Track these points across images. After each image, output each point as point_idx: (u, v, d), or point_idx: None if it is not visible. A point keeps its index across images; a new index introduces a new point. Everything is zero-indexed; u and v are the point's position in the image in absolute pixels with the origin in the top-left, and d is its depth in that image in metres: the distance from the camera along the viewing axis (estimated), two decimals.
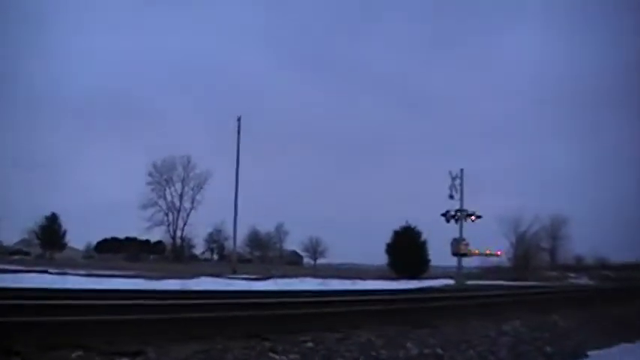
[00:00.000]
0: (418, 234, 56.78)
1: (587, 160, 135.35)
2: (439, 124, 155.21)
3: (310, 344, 7.86)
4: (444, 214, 43.37)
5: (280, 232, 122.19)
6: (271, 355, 7.19)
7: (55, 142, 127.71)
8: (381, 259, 64.81)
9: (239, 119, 55.04)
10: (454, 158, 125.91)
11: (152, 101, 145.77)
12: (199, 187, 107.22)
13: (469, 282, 40.82)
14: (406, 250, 54.27)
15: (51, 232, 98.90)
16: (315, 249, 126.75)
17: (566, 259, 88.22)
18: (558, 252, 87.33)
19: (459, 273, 43.23)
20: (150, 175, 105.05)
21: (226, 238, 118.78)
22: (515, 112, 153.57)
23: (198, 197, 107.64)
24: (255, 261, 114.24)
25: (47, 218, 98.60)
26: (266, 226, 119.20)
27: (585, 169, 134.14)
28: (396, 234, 56.84)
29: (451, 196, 43.07)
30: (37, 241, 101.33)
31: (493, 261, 63.47)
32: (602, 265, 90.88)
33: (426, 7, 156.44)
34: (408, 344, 8.72)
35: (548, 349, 10.28)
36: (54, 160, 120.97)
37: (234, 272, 43.88)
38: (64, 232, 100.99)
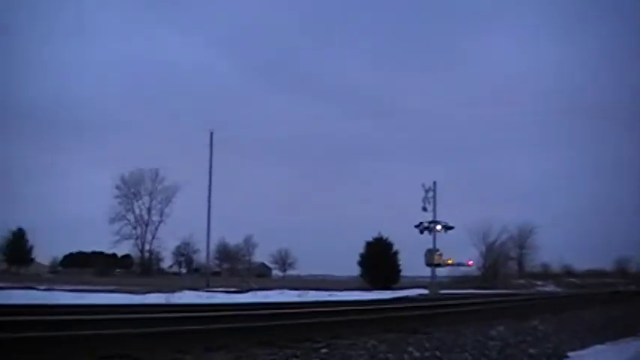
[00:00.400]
0: (390, 245, 58.11)
1: (553, 169, 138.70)
2: (409, 135, 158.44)
3: (325, 350, 8.80)
4: (417, 226, 44.68)
5: (249, 244, 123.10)
6: (302, 358, 8.11)
7: (18, 154, 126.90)
8: (351, 270, 66.00)
9: (211, 133, 55.69)
10: (423, 169, 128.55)
11: (117, 112, 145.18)
12: (168, 200, 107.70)
13: (442, 291, 42.07)
14: (378, 261, 55.54)
15: (17, 248, 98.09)
16: (283, 261, 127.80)
17: (533, 267, 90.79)
18: (525, 260, 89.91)
19: (432, 283, 44.47)
20: (118, 188, 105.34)
21: (195, 251, 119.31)
22: (480, 122, 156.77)
23: (166, 210, 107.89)
24: (224, 273, 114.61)
25: (14, 233, 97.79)
26: (234, 239, 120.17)
27: (551, 178, 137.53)
28: (369, 245, 58.05)
29: (424, 209, 44.41)
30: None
31: (462, 270, 65.06)
32: (568, 273, 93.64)
33: (394, 17, 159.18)
34: (410, 348, 9.70)
35: (531, 351, 11.37)
36: (17, 172, 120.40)
37: (208, 285, 44.52)
38: (31, 248, 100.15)
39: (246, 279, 76.41)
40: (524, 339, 12.23)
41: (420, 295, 36.99)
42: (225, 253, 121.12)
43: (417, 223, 44.66)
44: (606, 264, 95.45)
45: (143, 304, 17.56)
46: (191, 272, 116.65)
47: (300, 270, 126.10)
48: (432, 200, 44.50)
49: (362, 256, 58.30)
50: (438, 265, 45.17)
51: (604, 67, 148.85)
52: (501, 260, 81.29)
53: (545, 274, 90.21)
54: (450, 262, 49.25)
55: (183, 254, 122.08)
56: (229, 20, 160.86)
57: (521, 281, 77.82)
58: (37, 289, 26.68)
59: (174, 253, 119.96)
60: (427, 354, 9.62)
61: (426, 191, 44.63)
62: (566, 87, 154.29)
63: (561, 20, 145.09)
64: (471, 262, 63.04)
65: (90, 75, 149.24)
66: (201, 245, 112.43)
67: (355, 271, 61.59)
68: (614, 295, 36.45)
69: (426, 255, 44.61)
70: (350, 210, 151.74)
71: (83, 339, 7.27)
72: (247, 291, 35.22)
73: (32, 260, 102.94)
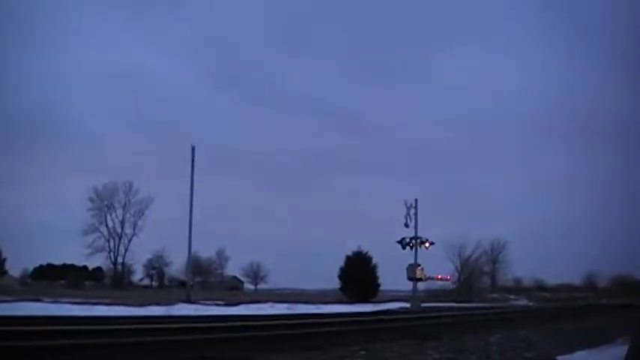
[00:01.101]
0: (369, 259, 60.01)
1: (524, 186, 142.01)
2: (382, 149, 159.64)
3: (363, 352, 10.66)
4: (399, 241, 46.62)
5: (221, 257, 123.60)
6: None
7: None
8: (324, 283, 67.57)
9: (193, 148, 56.30)
10: (396, 184, 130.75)
11: (87, 122, 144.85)
12: (141, 212, 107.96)
13: (423, 305, 44.01)
14: (358, 274, 57.37)
15: None
16: (256, 274, 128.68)
17: (506, 281, 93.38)
18: (498, 275, 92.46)
19: (414, 296, 46.42)
20: (91, 200, 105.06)
21: (166, 264, 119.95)
22: (453, 138, 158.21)
23: (139, 223, 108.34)
24: (196, 287, 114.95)
25: None
26: (207, 252, 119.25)
27: (522, 194, 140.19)
28: (348, 259, 59.80)
29: (406, 225, 46.43)
30: None
31: (438, 284, 67.06)
32: (539, 287, 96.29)
33: (366, 30, 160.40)
34: (429, 351, 11.62)
35: (527, 354, 13.29)
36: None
37: (189, 298, 45.53)
38: (4, 260, 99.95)
39: (216, 292, 77.31)
40: (518, 345, 14.21)
41: (402, 308, 38.74)
42: (198, 267, 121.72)
43: (399, 238, 46.46)
44: (576, 278, 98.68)
45: (174, 315, 19.22)
46: (163, 286, 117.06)
47: (271, 284, 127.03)
48: (413, 217, 46.62)
49: (342, 269, 60.03)
50: (420, 279, 47.25)
51: (577, 85, 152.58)
52: (476, 274, 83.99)
53: (518, 288, 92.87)
54: (432, 277, 51.58)
55: (155, 267, 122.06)
56: (197, 31, 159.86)
57: (495, 295, 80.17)
58: (43, 302, 27.80)
59: (145, 266, 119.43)
60: (443, 356, 11.51)
61: (408, 208, 46.67)
62: (538, 104, 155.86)
63: (535, 35, 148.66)
64: (448, 277, 65.39)
65: (61, 84, 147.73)
66: (173, 258, 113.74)
67: (328, 284, 63.28)
68: (586, 308, 38.76)
69: (407, 269, 46.55)
70: (322, 224, 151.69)
71: (189, 342, 9.08)
72: (238, 304, 36.66)
73: (5, 272, 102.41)
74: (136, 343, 9.43)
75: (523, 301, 75.36)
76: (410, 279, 46.89)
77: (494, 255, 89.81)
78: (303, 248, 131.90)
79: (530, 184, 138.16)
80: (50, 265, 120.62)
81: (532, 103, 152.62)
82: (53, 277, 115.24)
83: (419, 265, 46.49)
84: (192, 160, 55.27)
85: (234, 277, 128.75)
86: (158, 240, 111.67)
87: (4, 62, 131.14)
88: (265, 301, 40.16)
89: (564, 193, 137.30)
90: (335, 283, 63.12)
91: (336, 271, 61.47)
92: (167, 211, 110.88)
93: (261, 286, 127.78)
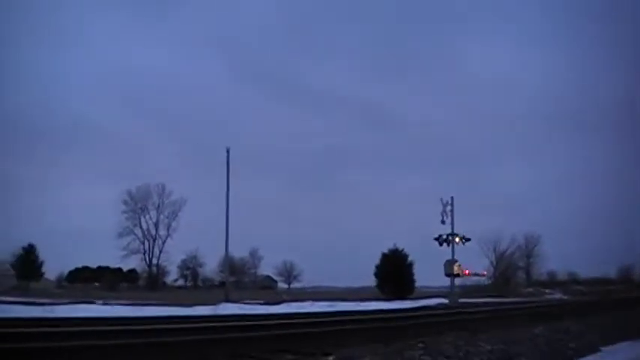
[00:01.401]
0: (405, 256, 61.27)
1: (554, 179, 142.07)
2: (407, 144, 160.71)
3: (421, 345, 11.74)
4: (436, 238, 47.78)
5: (255, 257, 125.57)
6: (408, 352, 11.00)
7: (23, 171, 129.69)
8: (357, 281, 68.68)
9: (228, 150, 57.65)
10: (423, 178, 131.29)
11: (115, 125, 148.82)
12: (174, 214, 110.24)
13: (460, 300, 44.99)
14: (394, 271, 58.63)
15: (28, 263, 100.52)
16: (289, 273, 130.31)
17: (540, 275, 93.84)
18: (532, 269, 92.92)
19: (452, 292, 47.48)
20: (125, 203, 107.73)
21: (200, 265, 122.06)
22: (486, 132, 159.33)
23: (173, 224, 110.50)
24: (231, 287, 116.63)
25: (24, 249, 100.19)
26: (240, 252, 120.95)
27: (553, 187, 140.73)
28: (384, 256, 61.26)
29: (443, 222, 47.63)
30: (11, 272, 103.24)
31: (473, 280, 67.99)
32: (574, 281, 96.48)
33: (383, 26, 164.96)
34: (481, 343, 12.64)
35: (571, 345, 14.31)
36: (21, 188, 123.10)
37: (227, 297, 46.92)
38: (42, 263, 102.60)
39: (250, 291, 78.93)
40: (562, 336, 15.18)
41: (440, 304, 39.68)
42: (231, 266, 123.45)
43: (436, 235, 47.92)
44: (610, 271, 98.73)
45: (226, 314, 20.39)
46: (196, 286, 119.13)
47: (304, 282, 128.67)
48: (449, 213, 47.73)
49: (378, 267, 61.76)
50: (457, 275, 48.32)
51: (603, 75, 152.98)
52: (511, 269, 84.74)
53: (552, 282, 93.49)
54: (467, 272, 52.60)
55: (189, 268, 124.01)
56: (219, 30, 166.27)
57: (530, 289, 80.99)
58: (95, 303, 29.14)
59: (179, 267, 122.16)
60: (495, 347, 12.54)
61: (444, 205, 47.90)
62: (570, 94, 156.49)
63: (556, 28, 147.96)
64: (484, 272, 66.39)
65: (87, 89, 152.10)
66: (206, 258, 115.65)
67: (360, 282, 64.44)
68: (623, 301, 39.38)
69: (445, 265, 47.69)
70: (351, 221, 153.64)
71: (273, 337, 10.30)
72: (279, 303, 37.90)
73: (42, 275, 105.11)
74: (224, 340, 10.57)
75: (558, 295, 76.00)
76: (447, 275, 48.03)
77: (529, 249, 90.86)
78: (333, 246, 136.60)
79: (561, 177, 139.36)
80: (85, 268, 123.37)
81: (559, 94, 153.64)
82: (88, 280, 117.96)
83: (456, 261, 47.61)
84: (228, 163, 56.67)
85: (268, 277, 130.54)
86: (191, 241, 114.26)
87: (33, 69, 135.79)
88: (305, 300, 41.34)
89: (596, 186, 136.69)
90: (368, 281, 64.90)
91: (367, 269, 63.19)
92: (200, 211, 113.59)
93: (294, 284, 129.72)
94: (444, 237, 47.50)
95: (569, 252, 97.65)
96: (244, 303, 37.15)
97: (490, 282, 77.58)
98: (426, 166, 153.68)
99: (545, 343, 13.93)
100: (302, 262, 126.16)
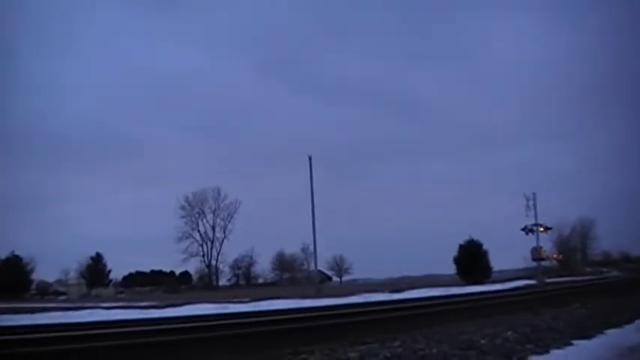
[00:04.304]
0: (480, 245, 75.89)
1: (598, 158, 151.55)
2: (436, 130, 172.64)
3: (521, 321, 15.75)
4: (523, 229, 62.12)
5: (306, 252, 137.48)
6: (509, 333, 13.24)
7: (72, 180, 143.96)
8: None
9: (310, 157, 66.72)
10: (458, 165, 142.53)
11: (160, 135, 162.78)
12: (230, 216, 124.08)
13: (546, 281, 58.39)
14: (471, 259, 73.27)
15: (96, 271, 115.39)
16: (340, 267, 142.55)
17: (595, 255, 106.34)
18: (588, 250, 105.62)
19: (539, 274, 61.41)
20: (182, 208, 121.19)
21: (252, 264, 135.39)
22: (510, 111, 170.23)
23: (229, 226, 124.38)
24: (284, 283, 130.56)
25: (92, 258, 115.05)
26: (291, 248, 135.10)
27: (598, 167, 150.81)
28: (461, 247, 76.35)
29: (527, 215, 62.25)
30: (75, 280, 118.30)
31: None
32: (626, 259, 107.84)
33: (407, 10, 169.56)
34: (580, 310, 23.41)
35: None
36: (73, 199, 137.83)
37: (319, 292, 55.47)
38: (109, 271, 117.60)
39: (304, 287, 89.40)
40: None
41: (528, 285, 52.10)
42: (282, 263, 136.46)
43: (522, 226, 62.52)
44: None
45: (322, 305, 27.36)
46: (249, 284, 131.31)
47: (355, 275, 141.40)
48: (532, 207, 62.21)
49: (456, 256, 76.78)
50: (542, 259, 62.86)
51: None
52: (571, 251, 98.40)
53: (607, 262, 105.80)
54: (552, 256, 67.33)
55: (240, 267, 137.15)
56: (242, 25, 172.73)
57: (589, 269, 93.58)
58: (176, 306, 32.26)
59: (231, 267, 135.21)
60: (595, 311, 21.05)
61: (527, 200, 62.64)
62: (600, 71, 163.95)
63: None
64: (558, 256, 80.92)
65: (125, 99, 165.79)
66: (260, 258, 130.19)
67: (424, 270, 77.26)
68: None
69: (532, 251, 62.48)
70: (393, 212, 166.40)
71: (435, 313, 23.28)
72: (401, 290, 46.82)
73: (110, 282, 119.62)
74: (359, 323, 15.60)
75: (614, 273, 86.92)
76: (534, 259, 62.42)
77: (585, 231, 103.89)
78: (378, 238, 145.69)
79: (604, 157, 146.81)
80: (139, 273, 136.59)
81: (594, 69, 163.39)
82: (143, 284, 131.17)
83: (542, 248, 61.80)
84: (310, 169, 66.53)
85: (320, 271, 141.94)
86: (245, 241, 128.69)
87: (95, 87, 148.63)
88: (374, 291, 46.97)
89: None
90: (445, 268, 78.62)
91: (419, 258, 77.81)
92: (251, 212, 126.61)
93: (345, 277, 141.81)
94: (529, 227, 61.68)
95: (621, 232, 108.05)
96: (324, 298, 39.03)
97: (551, 264, 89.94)
98: (457, 151, 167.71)
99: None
100: (351, 255, 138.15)
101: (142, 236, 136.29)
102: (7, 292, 78.40)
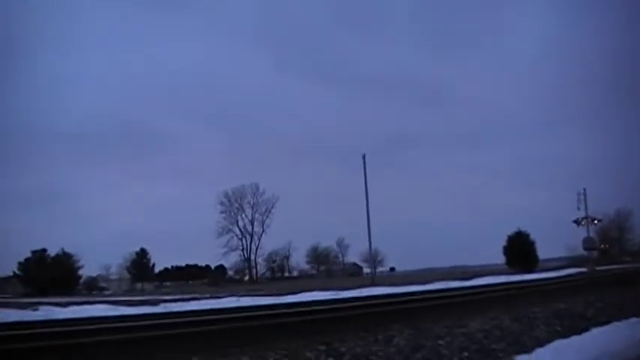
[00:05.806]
0: (527, 236, 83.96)
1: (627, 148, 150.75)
2: (462, 121, 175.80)
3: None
4: (575, 221, 70.13)
5: (341, 246, 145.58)
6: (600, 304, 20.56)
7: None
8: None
9: (364, 156, 73.02)
10: (484, 156, 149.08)
11: (193, 133, 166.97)
12: (268, 211, 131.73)
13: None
14: (520, 249, 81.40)
15: (141, 266, 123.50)
16: (374, 259, 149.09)
17: (632, 245, 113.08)
18: (624, 240, 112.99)
19: (590, 262, 68.22)
20: (221, 204, 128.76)
21: (287, 257, 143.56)
22: (538, 102, 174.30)
23: (267, 221, 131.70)
24: (320, 275, 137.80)
25: (137, 254, 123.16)
26: (327, 242, 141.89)
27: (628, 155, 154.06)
28: (510, 238, 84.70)
29: (578, 208, 70.75)
30: (116, 275, 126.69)
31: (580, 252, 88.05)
32: None
33: (441, 4, 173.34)
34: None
35: None
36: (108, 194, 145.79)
37: (374, 282, 58.16)
38: (153, 265, 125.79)
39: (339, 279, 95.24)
40: None
41: (579, 272, 58.59)
42: (317, 256, 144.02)
43: (575, 219, 70.57)
44: None
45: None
46: (283, 277, 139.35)
47: (388, 267, 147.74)
48: (583, 200, 70.09)
49: (505, 246, 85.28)
50: (594, 249, 70.68)
51: None
52: (612, 240, 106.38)
53: None
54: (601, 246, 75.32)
55: (274, 260, 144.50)
56: (262, 19, 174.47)
57: (627, 258, 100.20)
58: (236, 296, 34.31)
59: (266, 260, 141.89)
60: None
61: (578, 195, 71.00)
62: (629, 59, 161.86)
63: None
64: (605, 246, 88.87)
65: (135, 93, 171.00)
66: (295, 252, 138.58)
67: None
68: None
69: (583, 242, 70.64)
70: (422, 203, 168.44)
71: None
72: (472, 278, 52.42)
73: (154, 277, 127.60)
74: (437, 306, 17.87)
75: None
76: (585, 249, 70.23)
77: (622, 222, 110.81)
78: (408, 230, 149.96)
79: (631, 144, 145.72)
80: (176, 267, 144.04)
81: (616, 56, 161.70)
82: (180, 278, 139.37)
83: (592, 238, 69.62)
84: (364, 168, 72.78)
85: (354, 264, 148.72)
86: (283, 235, 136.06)
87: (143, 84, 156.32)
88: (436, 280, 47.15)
89: None
90: (490, 258, 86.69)
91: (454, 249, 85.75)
92: (288, 206, 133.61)
93: (379, 269, 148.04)
94: (580, 220, 69.76)
95: None
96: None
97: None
98: (483, 140, 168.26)
99: None
100: (384, 247, 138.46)
101: (176, 231, 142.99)
102: (57, 287, 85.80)
